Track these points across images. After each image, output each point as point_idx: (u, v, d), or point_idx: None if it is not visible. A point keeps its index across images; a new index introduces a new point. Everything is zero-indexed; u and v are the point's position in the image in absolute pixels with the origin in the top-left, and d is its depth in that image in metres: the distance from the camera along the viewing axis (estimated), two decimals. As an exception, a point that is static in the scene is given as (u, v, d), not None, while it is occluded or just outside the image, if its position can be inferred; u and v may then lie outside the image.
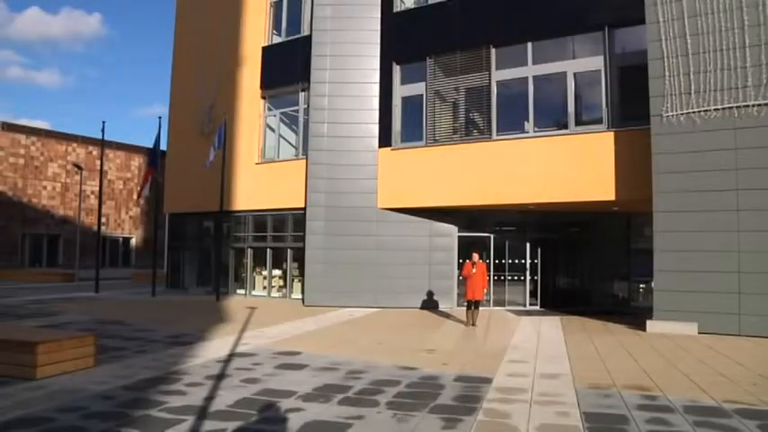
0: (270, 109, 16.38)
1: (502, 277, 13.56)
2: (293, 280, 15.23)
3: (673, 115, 9.63)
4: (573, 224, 14.60)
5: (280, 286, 15.63)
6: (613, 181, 11.06)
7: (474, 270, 10.28)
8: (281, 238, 15.58)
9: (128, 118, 70.44)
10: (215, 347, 8.04)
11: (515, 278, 14.10)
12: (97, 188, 23.28)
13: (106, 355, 7.19)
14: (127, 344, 8.16)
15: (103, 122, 16.41)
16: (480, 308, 10.59)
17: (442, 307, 13.43)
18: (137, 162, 34.42)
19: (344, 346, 8.35)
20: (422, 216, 13.77)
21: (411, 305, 13.37)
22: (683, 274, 9.69)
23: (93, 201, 29.46)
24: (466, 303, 10.51)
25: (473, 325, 10.32)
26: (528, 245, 14.08)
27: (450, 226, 13.92)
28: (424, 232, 13.66)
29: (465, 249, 13.94)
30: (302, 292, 14.28)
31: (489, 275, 11.42)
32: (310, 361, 7.20)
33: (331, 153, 13.87)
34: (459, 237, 13.96)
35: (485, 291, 10.86)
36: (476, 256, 10.47)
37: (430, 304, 13.56)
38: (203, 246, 18.15)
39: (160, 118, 16.79)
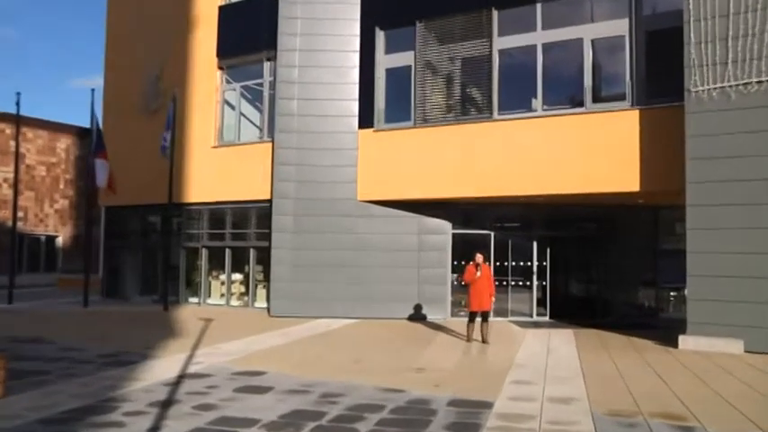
0: (229, 82, 16.11)
1: (504, 282, 13.38)
2: (257, 286, 15.05)
3: (710, 90, 9.41)
4: (589, 220, 14.43)
5: (241, 293, 15.46)
6: (638, 168, 10.92)
7: (478, 274, 10.07)
8: (243, 235, 15.32)
9: (54, 90, 64.02)
10: (162, 368, 7.88)
11: (520, 284, 14.00)
12: (11, 175, 21.30)
13: (21, 381, 6.87)
14: (49, 366, 7.90)
15: (18, 94, 16.09)
16: (472, 318, 10.07)
17: (433, 317, 13.34)
18: (64, 144, 33.15)
19: (317, 365, 8.26)
20: (410, 210, 13.61)
21: (397, 315, 13.23)
22: (722, 279, 9.49)
23: (7, 190, 27.95)
24: (468, 315, 10.29)
25: (484, 342, 10.03)
26: (535, 244, 13.89)
27: (444, 222, 13.73)
28: (412, 229, 13.53)
29: (461, 249, 13.86)
30: (268, 301, 14.22)
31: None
32: (276, 382, 7.11)
33: (302, 135, 13.69)
34: (454, 235, 13.83)
35: (492, 299, 10.52)
36: (480, 258, 10.30)
37: (419, 314, 13.45)
38: (148, 245, 17.60)
39: (93, 90, 15.79)
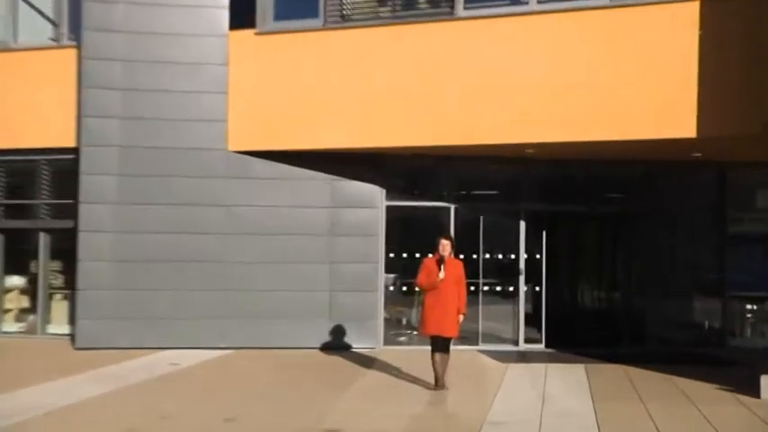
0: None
1: (472, 288, 12.80)
2: (51, 297, 14.14)
3: None
4: (611, 186, 13.94)
5: (21, 310, 14.51)
6: (695, 101, 10.50)
7: (442, 274, 9.58)
8: (25, 210, 14.34)
9: None
10: None
11: (498, 289, 13.56)
12: None
13: None
14: None
15: None
16: (439, 348, 9.69)
17: (358, 346, 12.91)
18: None
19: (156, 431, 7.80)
20: (317, 168, 13.02)
21: (298, 343, 12.78)
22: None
23: None
24: (431, 342, 9.67)
25: (437, 386, 9.72)
26: (523, 226, 13.32)
27: (373, 188, 13.14)
28: (320, 200, 13.04)
29: (400, 233, 13.24)
30: (71, 323, 13.45)
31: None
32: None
33: (131, 38, 12.79)
34: (390, 209, 13.13)
35: (460, 317, 9.83)
36: (445, 245, 9.76)
37: (336, 342, 12.85)
38: None
39: None
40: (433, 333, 9.50)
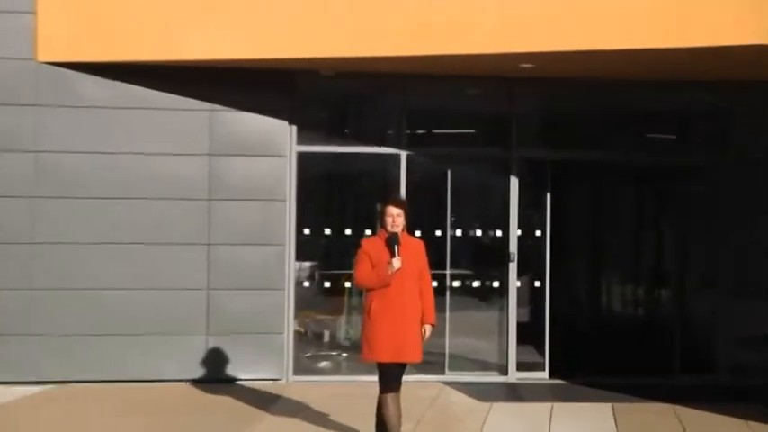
0: None
1: (435, 282, 10.76)
2: None
3: None
4: (655, 123, 13.57)
5: None
6: None
7: (397, 263, 8.55)
8: None
9: None
10: None
11: (475, 285, 12.94)
12: None
13: None
14: None
15: None
16: (395, 383, 8.48)
17: (252, 376, 11.94)
18: None
19: None
20: (186, 93, 12.03)
21: (156, 373, 11.70)
22: None
23: None
24: (379, 371, 8.83)
25: None
26: (514, 185, 12.45)
27: (276, 124, 12.06)
28: (193, 143, 12.10)
29: (322, 197, 12.73)
30: None
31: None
32: None
33: None
34: (304, 157, 12.14)
35: (427, 329, 9.00)
36: (396, 216, 8.63)
37: (215, 369, 11.88)
38: None
39: None
40: (384, 359, 8.47)
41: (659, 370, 13.14)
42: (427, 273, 9.29)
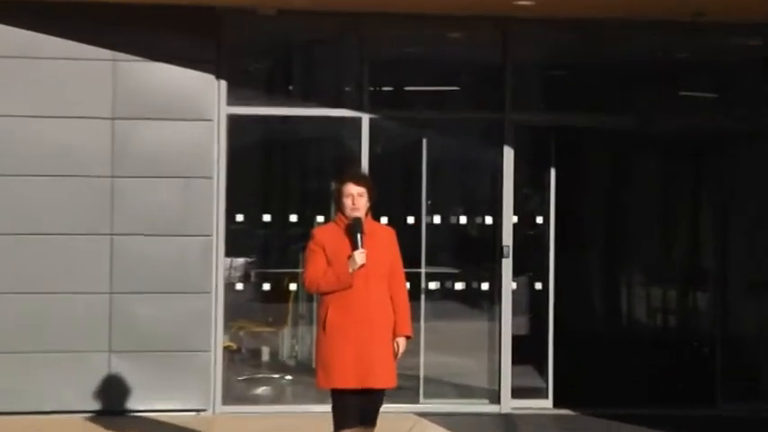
0: None
1: (408, 283, 11.99)
2: None
3: None
4: (691, 80, 13.44)
5: None
6: None
7: (360, 257, 8.53)
8: None
9: None
10: None
11: (458, 288, 12.57)
12: None
13: None
14: None
15: None
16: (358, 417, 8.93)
17: (168, 406, 11.46)
18: None
19: None
20: (82, 37, 11.72)
21: (42, 404, 11.21)
22: None
23: None
24: (332, 399, 8.12)
25: None
26: (508, 157, 12.08)
27: (200, 78, 11.74)
28: (91, 102, 11.55)
29: (260, 172, 12.53)
30: None
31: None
32: None
33: None
34: (236, 121, 11.91)
35: (401, 342, 8.40)
36: (357, 197, 8.35)
37: (121, 398, 11.27)
38: None
39: None
40: (348, 384, 7.75)
41: (695, 398, 12.72)
42: (400, 270, 8.54)
